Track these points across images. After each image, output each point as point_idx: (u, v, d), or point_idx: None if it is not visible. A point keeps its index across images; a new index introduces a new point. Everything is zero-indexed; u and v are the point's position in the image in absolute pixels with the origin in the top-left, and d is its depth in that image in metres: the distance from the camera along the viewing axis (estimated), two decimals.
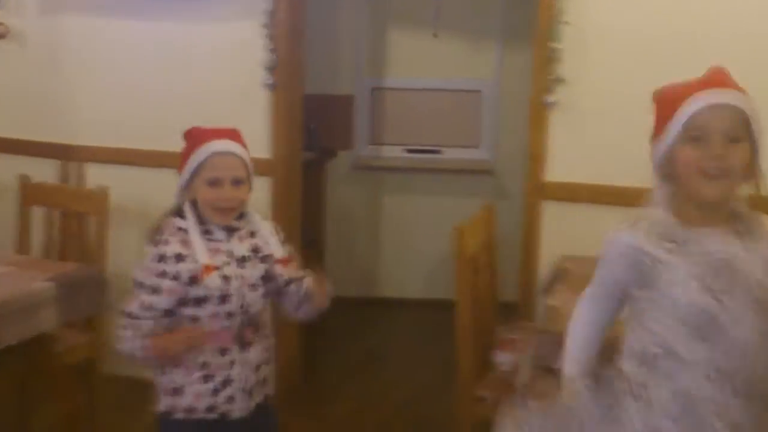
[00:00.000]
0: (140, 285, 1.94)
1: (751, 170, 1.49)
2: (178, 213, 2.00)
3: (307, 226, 3.68)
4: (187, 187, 2.00)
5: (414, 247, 4.69)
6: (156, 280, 1.92)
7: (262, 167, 3.22)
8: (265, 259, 2.03)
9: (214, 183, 1.95)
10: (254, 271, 2.00)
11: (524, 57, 4.37)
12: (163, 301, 1.92)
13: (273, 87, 3.15)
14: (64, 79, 3.45)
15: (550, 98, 2.84)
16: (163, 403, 2.01)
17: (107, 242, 2.91)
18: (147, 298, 1.92)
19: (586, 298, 1.68)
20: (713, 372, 1.43)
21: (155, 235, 1.98)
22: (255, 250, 2.02)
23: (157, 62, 3.31)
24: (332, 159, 4.59)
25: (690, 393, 1.45)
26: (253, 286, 1.99)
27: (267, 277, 2.03)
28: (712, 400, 1.43)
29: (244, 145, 2.04)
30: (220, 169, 1.96)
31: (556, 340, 2.08)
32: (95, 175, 3.35)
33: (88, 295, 2.59)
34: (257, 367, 2.03)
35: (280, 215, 3.21)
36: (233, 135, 2.03)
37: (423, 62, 4.65)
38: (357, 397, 3.45)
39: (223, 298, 1.94)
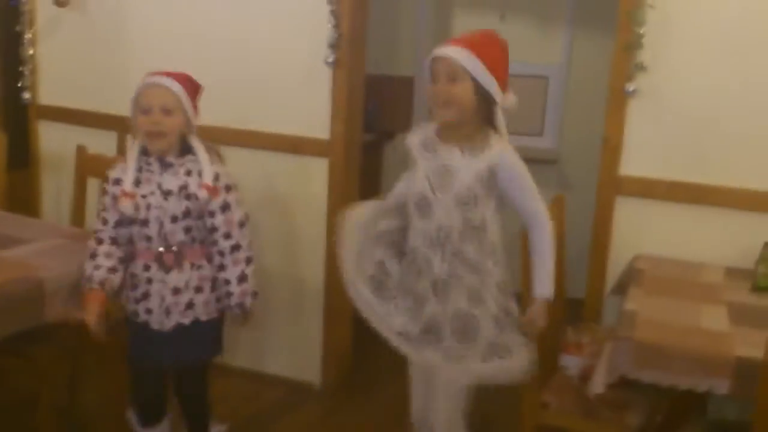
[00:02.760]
0: (102, 201, 2.33)
1: (475, 103, 2.10)
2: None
3: None
4: (133, 120, 2.28)
5: None
6: (106, 199, 2.30)
7: (319, 148, 3.14)
8: (189, 196, 2.25)
9: (145, 111, 2.24)
10: (177, 205, 2.24)
11: (594, 42, 4.22)
12: (109, 216, 2.29)
13: (334, 65, 3.03)
14: (125, 50, 3.39)
15: (631, 86, 2.66)
16: None
17: None
18: (102, 213, 2.30)
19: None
20: (426, 237, 2.16)
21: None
22: (183, 186, 2.25)
23: (219, 35, 3.22)
24: (390, 141, 4.47)
25: (415, 246, 2.19)
26: (173, 218, 2.24)
27: (188, 213, 2.25)
28: (425, 255, 2.17)
29: (184, 83, 2.29)
30: (149, 97, 2.24)
31: (633, 348, 1.95)
32: None
33: None
34: (176, 291, 2.27)
35: (336, 197, 3.12)
36: (173, 74, 2.29)
37: None
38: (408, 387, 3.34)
39: (144, 222, 2.24)
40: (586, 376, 2.22)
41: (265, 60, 3.16)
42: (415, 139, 2.24)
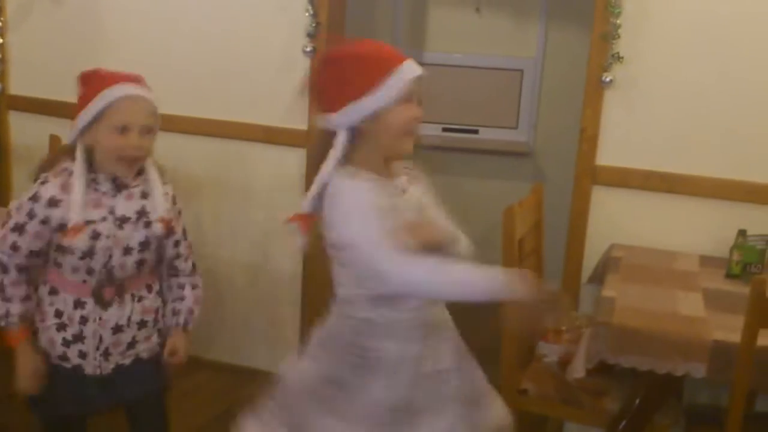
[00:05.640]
0: (9, 220, 1.88)
1: None
2: (71, 154, 1.89)
3: None
4: (87, 131, 1.88)
5: None
6: (24, 218, 1.85)
7: (297, 139, 3.11)
8: (149, 224, 1.93)
9: (123, 130, 1.84)
10: (133, 234, 1.90)
11: (569, 36, 4.25)
12: (27, 243, 1.86)
13: (312, 54, 3.02)
14: (98, 37, 3.33)
15: (607, 77, 2.68)
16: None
17: None
18: (12, 235, 1.87)
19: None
20: None
21: (42, 171, 1.91)
22: (141, 212, 1.92)
23: (195, 24, 3.18)
24: None
25: None
26: (126, 249, 1.90)
27: (147, 243, 1.93)
28: None
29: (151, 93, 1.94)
30: (130, 114, 1.85)
31: (612, 333, 1.97)
32: None
33: None
34: (117, 328, 1.94)
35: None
36: (141, 81, 1.93)
37: (463, 38, 4.49)
38: None
39: (87, 254, 1.86)
40: (564, 362, 2.24)
41: (241, 49, 3.13)
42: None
